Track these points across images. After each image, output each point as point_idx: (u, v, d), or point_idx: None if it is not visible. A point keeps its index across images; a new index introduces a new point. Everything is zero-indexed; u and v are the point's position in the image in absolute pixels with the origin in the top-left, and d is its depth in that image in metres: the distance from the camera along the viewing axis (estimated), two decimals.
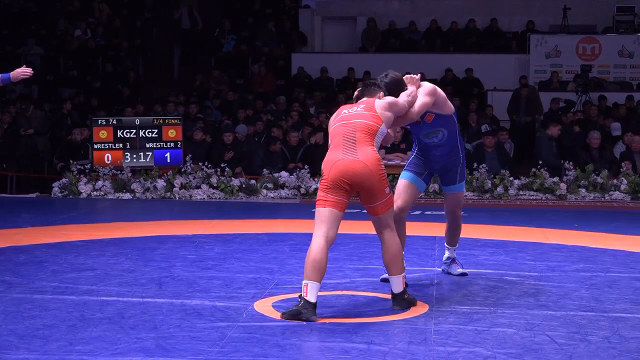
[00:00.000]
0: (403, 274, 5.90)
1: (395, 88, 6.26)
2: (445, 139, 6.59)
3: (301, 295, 5.59)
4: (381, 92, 6.15)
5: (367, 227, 9.88)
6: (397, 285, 5.88)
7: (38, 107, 16.43)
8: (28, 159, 15.42)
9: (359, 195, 5.86)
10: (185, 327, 5.38)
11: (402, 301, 5.90)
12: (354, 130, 5.84)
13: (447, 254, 7.27)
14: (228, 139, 14.85)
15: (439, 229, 9.74)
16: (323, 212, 5.74)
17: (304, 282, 5.59)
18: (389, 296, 6.14)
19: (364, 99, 6.13)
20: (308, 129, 15.42)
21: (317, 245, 5.67)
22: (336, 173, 5.72)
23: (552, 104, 17.32)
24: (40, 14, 21.35)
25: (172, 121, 14.39)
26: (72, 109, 17.35)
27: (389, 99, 6.11)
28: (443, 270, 7.24)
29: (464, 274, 7.08)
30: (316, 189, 13.38)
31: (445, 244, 7.28)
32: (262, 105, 17.50)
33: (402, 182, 6.73)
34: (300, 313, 5.52)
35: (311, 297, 5.55)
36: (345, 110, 6.04)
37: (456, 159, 6.73)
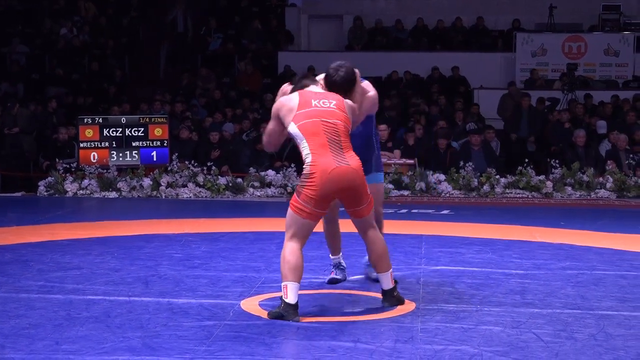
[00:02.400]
0: (391, 270, 5.89)
1: (349, 84, 6.00)
2: (361, 130, 6.36)
3: (282, 297, 5.57)
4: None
5: (353, 226, 9.89)
6: (387, 282, 5.86)
7: (23, 106, 16.37)
8: (13, 158, 15.35)
9: (341, 201, 5.74)
10: (172, 326, 5.36)
11: (392, 298, 5.87)
12: (337, 133, 5.63)
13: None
14: (214, 137, 14.84)
15: (425, 228, 9.77)
16: (299, 221, 5.58)
17: (282, 283, 5.55)
18: (376, 294, 6.15)
19: (330, 93, 5.83)
20: None
21: (290, 249, 5.58)
22: (331, 184, 5.52)
23: (537, 104, 17.33)
24: (26, 13, 21.27)
25: (159, 120, 14.36)
26: (58, 107, 17.30)
27: (353, 105, 5.90)
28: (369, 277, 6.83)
29: (335, 280, 6.65)
30: None
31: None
32: (248, 104, 17.49)
33: None
34: (282, 316, 5.49)
35: (291, 299, 5.49)
36: (315, 102, 5.70)
37: (371, 150, 6.53)
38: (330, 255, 6.72)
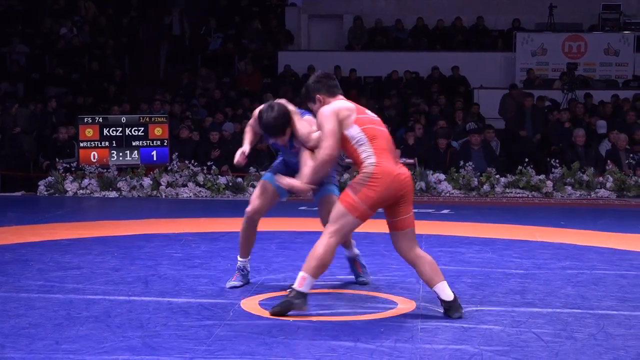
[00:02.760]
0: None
1: (283, 126, 5.95)
2: None
3: (291, 286, 5.56)
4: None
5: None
6: (447, 292, 5.61)
7: (23, 106, 16.36)
8: (13, 157, 15.35)
9: (391, 209, 5.62)
10: (172, 326, 5.36)
11: (459, 307, 5.63)
12: (390, 141, 5.71)
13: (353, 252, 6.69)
14: (214, 137, 14.84)
15: (425, 227, 9.76)
16: (348, 219, 5.52)
17: (302, 274, 5.52)
18: (376, 294, 6.16)
19: (363, 109, 5.76)
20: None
21: (328, 245, 5.55)
22: (393, 188, 5.50)
23: (538, 102, 17.33)
24: (26, 13, 21.27)
25: (159, 119, 14.37)
26: (58, 107, 17.30)
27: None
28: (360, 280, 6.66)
29: (234, 286, 6.46)
30: None
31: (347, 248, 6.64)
32: (248, 104, 17.48)
33: (264, 183, 6.35)
34: (292, 304, 5.49)
35: (305, 289, 5.51)
36: (368, 112, 5.76)
37: None
38: (238, 257, 6.50)
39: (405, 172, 5.61)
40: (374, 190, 5.48)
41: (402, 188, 5.55)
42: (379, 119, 5.79)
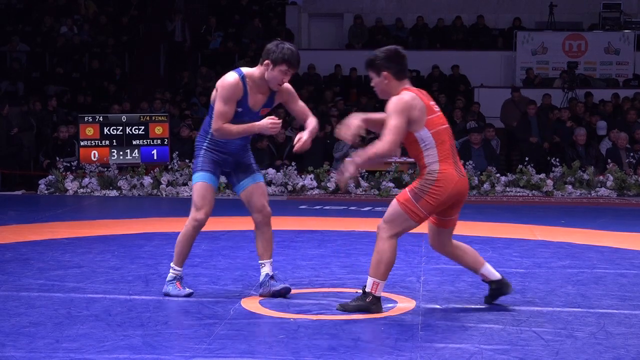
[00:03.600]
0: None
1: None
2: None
3: (365, 290, 5.63)
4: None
5: (354, 224, 9.90)
6: (494, 273, 5.87)
7: (15, 105, 16.28)
8: (13, 156, 15.34)
9: (444, 210, 5.66)
10: (172, 324, 5.37)
11: (508, 283, 5.90)
12: (454, 139, 5.72)
13: (265, 268, 6.19)
14: None
15: (425, 226, 9.76)
16: (408, 223, 5.58)
17: (373, 279, 5.58)
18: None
19: (432, 105, 5.63)
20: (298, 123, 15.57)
21: (393, 247, 5.60)
22: (454, 195, 5.54)
23: (544, 99, 17.34)
24: (26, 11, 21.27)
25: (159, 118, 14.36)
26: (58, 106, 17.30)
27: None
28: (264, 292, 6.16)
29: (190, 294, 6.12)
30: (303, 186, 13.40)
31: (260, 260, 6.24)
32: None
33: (206, 186, 6.06)
34: (369, 309, 5.60)
35: (380, 293, 5.64)
36: (436, 107, 5.64)
37: (249, 151, 6.27)
38: (174, 265, 6.14)
39: (464, 176, 5.66)
40: (435, 198, 5.52)
41: (461, 193, 5.63)
42: (441, 113, 5.70)
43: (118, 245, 8.35)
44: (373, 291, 5.62)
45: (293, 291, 6.16)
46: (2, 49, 20.04)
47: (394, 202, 5.63)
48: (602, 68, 20.34)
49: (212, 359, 4.65)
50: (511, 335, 5.20)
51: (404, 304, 5.93)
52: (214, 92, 6.09)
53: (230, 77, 5.99)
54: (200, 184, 6.06)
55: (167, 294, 6.08)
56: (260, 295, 6.12)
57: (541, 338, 5.12)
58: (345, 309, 5.68)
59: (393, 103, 5.54)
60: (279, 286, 6.10)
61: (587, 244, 8.73)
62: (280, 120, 5.99)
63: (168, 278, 6.14)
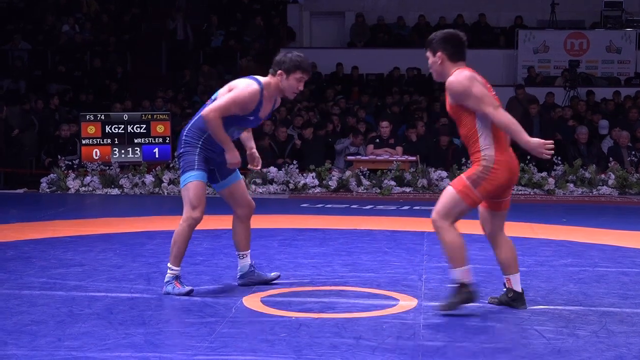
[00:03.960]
0: None
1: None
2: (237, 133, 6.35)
3: (459, 280, 5.55)
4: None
5: (355, 223, 9.89)
6: (519, 284, 5.82)
7: (13, 105, 16.25)
8: (15, 155, 15.34)
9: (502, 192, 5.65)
10: (174, 323, 5.37)
11: (524, 300, 5.81)
12: None
13: (247, 259, 6.45)
14: None
15: (427, 224, 9.75)
16: (463, 207, 5.57)
17: (460, 269, 5.53)
18: (378, 291, 6.16)
19: (489, 88, 5.62)
20: (300, 120, 15.64)
21: (456, 233, 5.63)
22: (509, 178, 5.55)
23: (547, 98, 17.33)
24: (27, 10, 21.28)
25: (161, 116, 14.38)
26: (60, 104, 17.30)
27: None
28: (248, 282, 6.41)
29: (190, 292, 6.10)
30: (304, 185, 13.40)
31: (240, 252, 6.47)
32: None
33: (202, 185, 6.14)
34: (470, 298, 5.56)
35: (471, 280, 5.58)
36: (492, 90, 5.64)
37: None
38: (172, 265, 6.13)
39: (515, 158, 5.63)
40: (493, 184, 5.51)
41: (516, 175, 5.64)
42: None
43: (120, 244, 8.35)
44: (465, 279, 5.54)
45: (295, 289, 6.16)
46: (4, 47, 20.06)
47: (449, 189, 5.59)
48: (604, 66, 20.33)
49: (214, 357, 4.65)
50: (513, 333, 5.20)
51: (405, 303, 5.93)
52: (225, 88, 6.09)
53: (253, 86, 6.04)
54: (196, 183, 6.12)
55: (167, 294, 6.09)
56: (242, 285, 6.36)
57: (543, 336, 5.12)
58: (449, 307, 5.56)
59: (457, 82, 5.53)
60: (270, 275, 6.49)
61: (588, 242, 8.72)
62: (238, 162, 6.17)
63: (166, 279, 6.14)
